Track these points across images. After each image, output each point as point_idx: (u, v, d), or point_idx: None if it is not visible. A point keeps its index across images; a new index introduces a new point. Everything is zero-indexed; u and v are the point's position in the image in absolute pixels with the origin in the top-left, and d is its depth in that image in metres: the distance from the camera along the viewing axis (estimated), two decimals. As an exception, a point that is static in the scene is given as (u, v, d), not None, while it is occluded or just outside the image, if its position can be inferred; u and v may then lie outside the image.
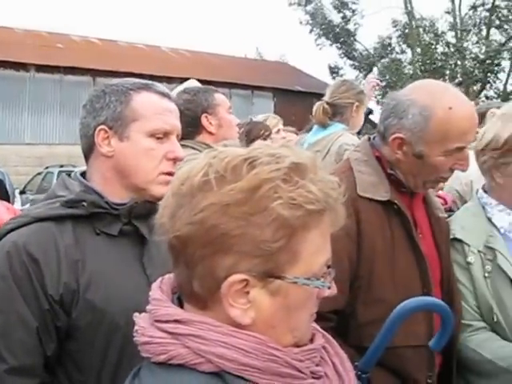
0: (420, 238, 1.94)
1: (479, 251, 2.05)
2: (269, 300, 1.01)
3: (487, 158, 2.10)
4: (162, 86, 1.72)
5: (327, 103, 3.54)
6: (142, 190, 1.64)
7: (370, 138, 2.04)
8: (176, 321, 1.02)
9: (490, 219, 2.11)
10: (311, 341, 1.11)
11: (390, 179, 1.93)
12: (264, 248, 0.98)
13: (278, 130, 4.47)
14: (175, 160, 1.67)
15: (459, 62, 23.78)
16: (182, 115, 2.88)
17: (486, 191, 2.19)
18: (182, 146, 2.83)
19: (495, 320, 2.00)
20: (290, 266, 1.00)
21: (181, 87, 3.35)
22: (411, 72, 24.25)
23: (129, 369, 1.09)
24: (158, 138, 1.64)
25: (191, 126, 2.80)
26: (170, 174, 1.64)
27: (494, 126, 2.08)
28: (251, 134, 3.87)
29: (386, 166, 1.94)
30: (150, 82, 1.71)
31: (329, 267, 1.07)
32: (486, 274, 2.02)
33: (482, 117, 3.53)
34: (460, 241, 2.08)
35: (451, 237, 2.09)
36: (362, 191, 1.86)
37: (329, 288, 1.07)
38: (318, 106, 3.54)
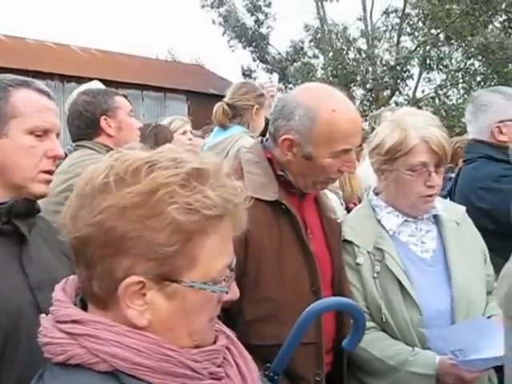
0: (310, 238, 1.97)
1: (368, 252, 2.10)
2: (165, 303, 1.02)
3: (374, 160, 2.18)
4: (41, 84, 1.68)
5: (227, 104, 3.54)
6: (21, 188, 1.59)
7: (262, 140, 2.07)
8: (74, 321, 1.03)
9: (379, 221, 2.17)
10: (214, 342, 1.12)
11: (280, 180, 1.95)
12: (159, 251, 0.98)
13: (184, 132, 4.42)
14: (55, 158, 1.64)
15: (370, 68, 24.47)
16: (80, 116, 2.87)
17: (377, 193, 2.26)
18: (80, 146, 2.81)
19: (384, 320, 2.05)
20: (187, 270, 1.01)
21: (81, 88, 3.29)
22: (323, 77, 24.75)
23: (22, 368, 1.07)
24: (38, 136, 1.60)
25: (90, 128, 2.79)
26: (50, 172, 1.62)
27: (384, 131, 2.14)
28: (159, 138, 3.83)
29: (277, 168, 1.96)
30: (29, 79, 1.66)
31: (231, 270, 1.08)
32: (375, 275, 2.08)
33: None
34: (350, 242, 2.12)
35: (342, 238, 2.14)
36: (250, 192, 1.86)
37: (227, 293, 1.08)
38: (218, 107, 3.54)
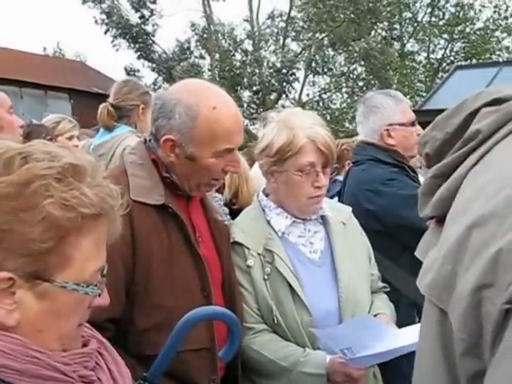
0: (199, 241, 1.93)
1: (259, 254, 2.09)
2: (36, 303, 0.97)
3: (263, 162, 2.16)
4: None
5: (112, 105, 3.41)
6: None
7: (146, 141, 1.99)
8: None
9: (269, 222, 2.17)
10: (84, 346, 1.07)
11: (166, 182, 1.89)
12: (32, 247, 0.93)
13: (71, 137, 4.12)
14: None
15: (257, 71, 24.78)
16: (-46, 113, 2.65)
17: (267, 194, 2.26)
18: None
19: (276, 321, 2.05)
20: (60, 269, 0.96)
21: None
22: (210, 78, 24.78)
23: None
24: None
25: (-36, 127, 2.60)
26: None
27: (271, 133, 2.13)
28: (31, 137, 3.60)
29: (162, 169, 1.90)
30: None
31: (103, 276, 1.04)
32: (266, 277, 2.07)
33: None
34: (241, 244, 2.11)
35: (231, 240, 2.12)
36: (135, 196, 1.79)
37: (99, 295, 1.04)
38: (102, 109, 3.40)
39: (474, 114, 0.82)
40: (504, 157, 0.75)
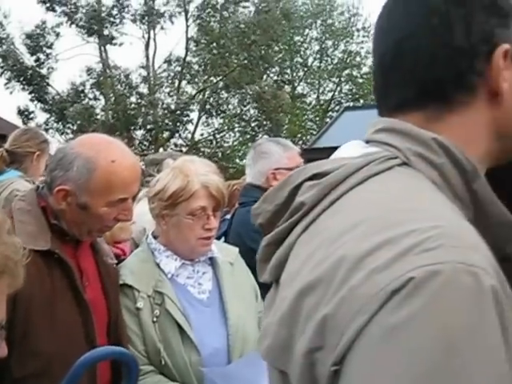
0: (86, 285, 1.93)
1: (148, 296, 2.12)
2: None
3: (155, 205, 2.22)
4: None
5: (7, 151, 3.42)
6: None
7: (38, 188, 2.00)
8: None
9: (158, 264, 2.21)
10: None
11: (54, 229, 1.90)
12: None
13: None
14: None
15: (151, 111, 24.78)
16: None
17: (155, 236, 2.31)
18: None
19: (163, 363, 2.07)
20: None
21: None
22: (104, 119, 24.53)
23: None
24: None
25: None
26: None
27: (166, 178, 2.21)
28: None
29: (51, 216, 1.91)
30: None
31: (2, 327, 1.05)
32: (155, 319, 2.10)
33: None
34: (130, 286, 2.13)
35: (121, 282, 2.13)
36: (21, 242, 1.79)
37: None
38: None
39: (298, 188, 0.89)
40: (328, 225, 0.82)
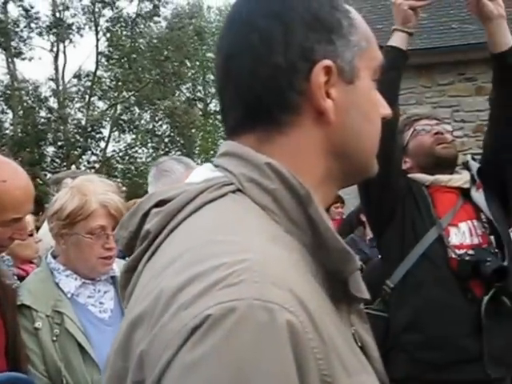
0: None
1: (47, 316, 2.10)
2: None
3: (54, 225, 2.21)
4: None
5: None
6: None
7: None
8: None
9: (57, 284, 2.20)
10: None
11: None
12: None
13: None
14: None
15: (62, 127, 24.17)
16: None
17: (55, 256, 2.29)
18: None
19: (64, 382, 2.06)
20: None
21: None
22: (12, 133, 23.75)
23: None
24: None
25: None
26: None
27: (64, 197, 2.20)
28: None
29: None
30: None
31: None
32: (55, 338, 2.09)
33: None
34: (28, 307, 2.11)
35: (19, 303, 2.11)
36: None
37: None
38: None
39: (146, 215, 0.88)
40: (160, 257, 0.81)
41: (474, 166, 2.69)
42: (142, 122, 26.94)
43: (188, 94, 27.98)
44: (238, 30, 0.89)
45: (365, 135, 0.91)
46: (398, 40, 2.49)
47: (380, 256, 2.83)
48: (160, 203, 0.87)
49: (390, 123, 2.38)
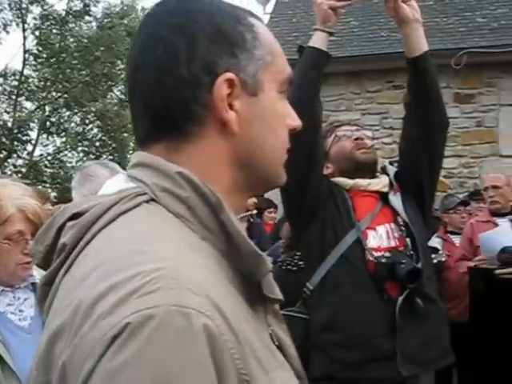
0: None
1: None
2: None
3: None
4: None
5: None
6: None
7: None
8: None
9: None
10: None
11: None
12: None
13: None
14: None
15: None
16: None
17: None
18: None
19: None
20: None
21: None
22: None
23: None
24: None
25: None
26: None
27: None
28: None
29: None
30: None
31: None
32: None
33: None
34: None
35: None
36: None
37: None
38: None
39: (61, 229, 0.89)
40: (77, 269, 0.83)
41: (392, 170, 2.78)
42: (72, 124, 26.32)
43: (120, 96, 27.50)
44: (145, 42, 0.90)
45: (269, 147, 0.93)
46: (318, 40, 2.56)
47: (300, 257, 2.89)
48: (75, 216, 0.88)
49: (312, 124, 2.46)
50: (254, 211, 6.74)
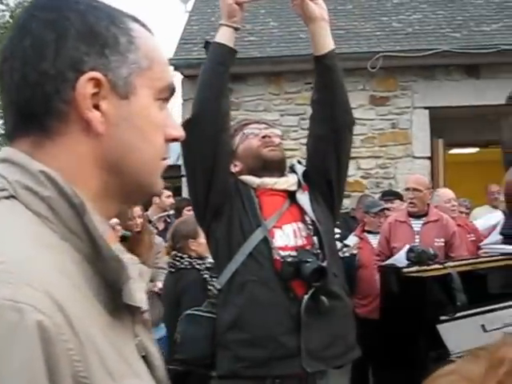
0: None
1: None
2: None
3: None
4: None
5: None
6: None
7: None
8: None
9: None
10: None
11: None
12: None
13: None
14: None
15: None
16: None
17: None
18: None
19: None
20: None
21: None
22: None
23: None
24: None
25: None
26: None
27: None
28: None
29: None
30: None
31: None
32: None
33: None
34: None
35: None
36: None
37: None
38: None
39: None
40: None
41: (300, 168, 2.79)
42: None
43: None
44: (14, 34, 0.89)
45: (138, 153, 0.92)
46: (223, 36, 2.54)
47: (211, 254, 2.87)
48: None
49: (218, 119, 2.45)
50: (171, 211, 6.68)
